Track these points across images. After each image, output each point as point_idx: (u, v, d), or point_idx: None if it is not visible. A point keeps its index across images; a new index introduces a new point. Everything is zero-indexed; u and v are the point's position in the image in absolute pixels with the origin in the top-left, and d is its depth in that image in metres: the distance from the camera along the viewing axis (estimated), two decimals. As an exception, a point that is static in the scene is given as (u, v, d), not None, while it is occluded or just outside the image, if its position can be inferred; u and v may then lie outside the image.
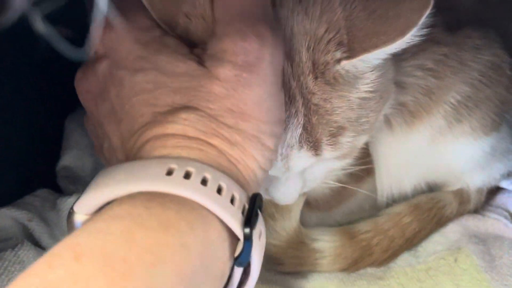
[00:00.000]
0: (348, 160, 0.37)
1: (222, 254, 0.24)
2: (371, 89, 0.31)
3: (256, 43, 0.25)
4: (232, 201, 0.24)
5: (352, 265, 0.45)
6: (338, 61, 0.29)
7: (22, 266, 0.36)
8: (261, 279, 0.45)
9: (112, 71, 0.28)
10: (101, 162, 0.36)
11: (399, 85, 0.41)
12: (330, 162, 0.35)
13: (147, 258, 0.20)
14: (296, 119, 0.30)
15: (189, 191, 0.23)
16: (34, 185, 0.45)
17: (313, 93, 0.30)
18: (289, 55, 0.29)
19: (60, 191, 0.47)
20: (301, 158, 0.32)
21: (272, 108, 0.27)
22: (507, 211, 0.52)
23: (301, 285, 0.44)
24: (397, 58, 0.40)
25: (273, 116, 0.27)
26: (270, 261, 0.45)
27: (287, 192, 0.35)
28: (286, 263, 0.45)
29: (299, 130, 0.31)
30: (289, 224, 0.45)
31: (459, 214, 0.50)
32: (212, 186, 0.24)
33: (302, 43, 0.29)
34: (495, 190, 0.53)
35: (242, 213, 0.25)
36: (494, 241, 0.47)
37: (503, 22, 0.45)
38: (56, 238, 0.42)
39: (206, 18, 0.28)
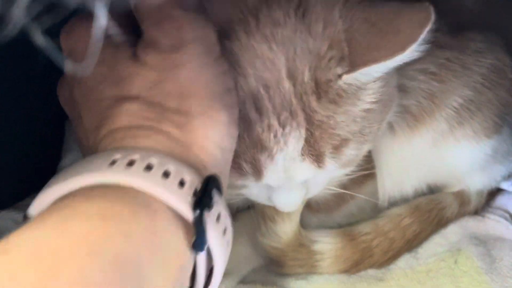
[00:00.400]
0: (351, 168, 0.37)
1: (176, 243, 0.23)
2: (374, 100, 0.31)
3: (172, 26, 0.26)
4: (181, 184, 0.23)
5: (353, 267, 0.45)
6: (340, 76, 0.29)
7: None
8: (261, 281, 0.46)
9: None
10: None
11: (402, 89, 0.41)
12: (333, 170, 0.35)
13: (82, 248, 0.19)
14: (298, 133, 0.30)
15: (132, 178, 0.22)
16: (35, 187, 0.45)
17: (316, 112, 0.30)
18: (292, 75, 0.29)
19: (61, 193, 0.47)
20: (303, 170, 0.32)
21: (212, 79, 0.26)
22: (508, 212, 0.52)
23: (301, 287, 0.44)
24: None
25: (214, 87, 0.27)
26: (271, 263, 0.46)
27: (290, 200, 0.35)
28: (286, 265, 0.45)
29: (301, 143, 0.31)
30: (290, 226, 0.45)
31: (459, 215, 0.50)
32: (157, 171, 0.23)
33: (305, 63, 0.29)
34: (495, 192, 0.53)
35: (195, 196, 0.23)
36: (495, 242, 0.47)
37: (506, 25, 0.45)
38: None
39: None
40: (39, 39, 0.16)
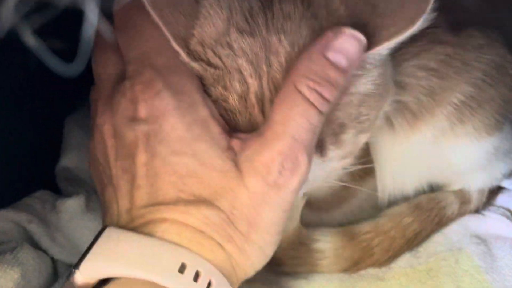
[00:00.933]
0: (349, 160, 0.37)
1: None
2: (372, 86, 0.31)
3: (289, 170, 0.27)
4: None
5: (353, 266, 0.45)
6: None
7: (22, 268, 0.36)
8: (261, 280, 0.45)
9: (149, 139, 0.27)
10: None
11: (401, 86, 0.41)
12: (332, 161, 0.35)
13: None
14: None
15: None
16: (34, 187, 0.45)
17: None
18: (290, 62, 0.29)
19: (60, 193, 0.47)
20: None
21: (282, 223, 0.29)
22: (509, 211, 0.51)
23: (301, 286, 0.44)
24: (398, 58, 0.40)
25: (280, 229, 0.29)
26: (270, 262, 0.45)
27: None
28: (286, 264, 0.45)
29: None
30: (290, 224, 0.44)
31: (460, 214, 0.50)
32: None
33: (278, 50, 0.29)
34: (496, 190, 0.53)
35: None
36: (496, 241, 0.47)
37: (507, 22, 0.45)
38: (56, 241, 0.42)
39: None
40: (29, 39, 0.16)
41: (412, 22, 0.27)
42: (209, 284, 0.25)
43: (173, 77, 0.28)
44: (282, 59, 0.28)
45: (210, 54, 0.29)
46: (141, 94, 0.27)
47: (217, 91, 0.29)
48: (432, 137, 0.44)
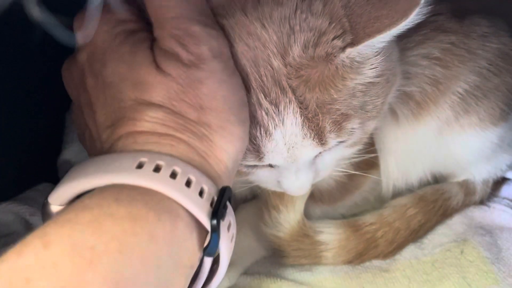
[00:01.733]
0: (358, 147, 0.37)
1: (190, 245, 0.25)
2: (376, 74, 0.31)
3: (192, 43, 0.27)
4: (201, 193, 0.25)
5: (357, 258, 0.45)
6: (343, 49, 0.29)
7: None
8: (265, 272, 0.45)
9: (89, 61, 0.29)
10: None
11: (405, 76, 0.40)
12: (341, 149, 0.35)
13: (114, 246, 0.21)
14: (291, 109, 0.30)
15: (158, 184, 0.24)
16: (36, 180, 0.45)
17: (310, 88, 0.29)
18: (283, 53, 0.29)
19: (61, 185, 0.46)
20: (306, 147, 0.32)
21: (229, 95, 0.28)
22: (514, 202, 0.51)
23: (306, 278, 0.43)
24: (402, 47, 0.40)
25: (231, 102, 0.28)
26: (275, 254, 0.45)
27: (298, 183, 0.35)
28: (290, 256, 0.44)
29: (299, 120, 0.30)
30: (293, 216, 0.44)
31: (464, 205, 0.49)
32: (181, 179, 0.25)
33: (301, 41, 0.29)
34: (501, 181, 0.52)
35: (211, 205, 0.26)
36: (501, 232, 0.47)
37: (510, 10, 0.44)
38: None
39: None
40: (35, 12, 0.15)
41: (406, 14, 0.27)
42: (173, 172, 0.25)
43: None
44: None
45: None
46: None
47: None
48: (436, 127, 0.44)
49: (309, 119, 0.30)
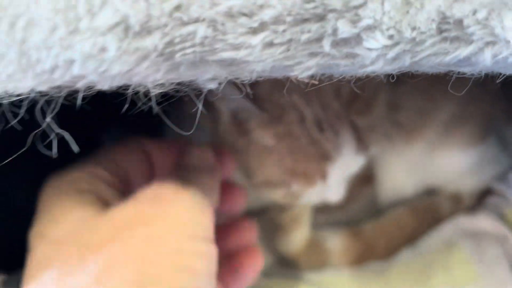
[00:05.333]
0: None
1: None
2: None
3: None
4: None
5: (358, 260, 0.53)
6: None
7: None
8: (276, 274, 0.53)
9: None
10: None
11: (397, 107, 0.49)
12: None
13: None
14: (347, 138, 0.39)
15: None
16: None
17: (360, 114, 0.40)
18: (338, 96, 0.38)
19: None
20: (357, 162, 0.43)
21: None
22: (498, 210, 0.58)
23: (315, 277, 0.51)
24: (393, 83, 0.48)
25: None
26: (288, 263, 0.53)
27: (340, 191, 0.45)
28: (302, 263, 0.52)
29: (354, 143, 0.40)
30: (305, 231, 0.52)
31: (453, 213, 0.57)
32: None
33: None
34: (487, 192, 0.60)
35: None
36: (484, 236, 0.54)
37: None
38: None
39: None
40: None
41: None
42: None
43: None
44: None
45: None
46: None
47: None
48: (424, 149, 0.52)
49: (361, 139, 0.40)
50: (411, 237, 0.54)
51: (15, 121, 0.23)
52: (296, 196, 0.43)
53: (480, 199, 0.59)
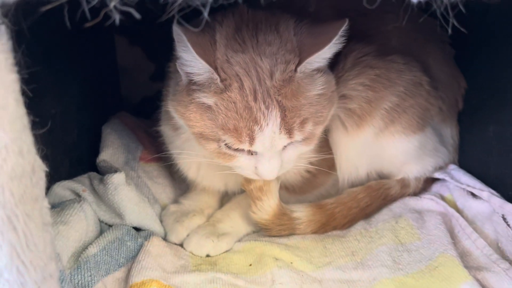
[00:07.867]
0: (311, 146, 0.53)
1: None
2: (322, 87, 0.49)
3: None
4: None
5: (321, 228, 0.60)
6: (295, 69, 0.47)
7: (85, 214, 0.50)
8: (254, 240, 0.59)
9: None
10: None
11: (348, 97, 0.60)
12: (298, 146, 0.51)
13: None
14: (275, 113, 0.47)
15: None
16: (84, 170, 0.61)
17: (287, 99, 0.47)
18: (271, 75, 0.47)
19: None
20: (281, 139, 0.49)
21: None
22: (440, 195, 0.68)
23: (284, 241, 0.58)
24: (345, 78, 0.59)
25: None
26: (261, 230, 0.60)
27: (271, 167, 0.51)
28: (273, 230, 0.60)
29: (279, 120, 0.47)
30: (273, 201, 0.60)
31: (401, 195, 0.66)
32: None
33: (278, 68, 0.47)
34: (431, 180, 0.69)
35: None
36: (427, 212, 0.63)
37: (420, 55, 0.65)
38: (100, 206, 0.56)
39: None
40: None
41: (329, 41, 0.46)
42: None
43: None
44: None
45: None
46: None
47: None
48: (373, 134, 0.62)
49: (284, 120, 0.48)
50: (365, 211, 0.63)
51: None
52: (229, 156, 0.50)
53: (425, 187, 0.69)
